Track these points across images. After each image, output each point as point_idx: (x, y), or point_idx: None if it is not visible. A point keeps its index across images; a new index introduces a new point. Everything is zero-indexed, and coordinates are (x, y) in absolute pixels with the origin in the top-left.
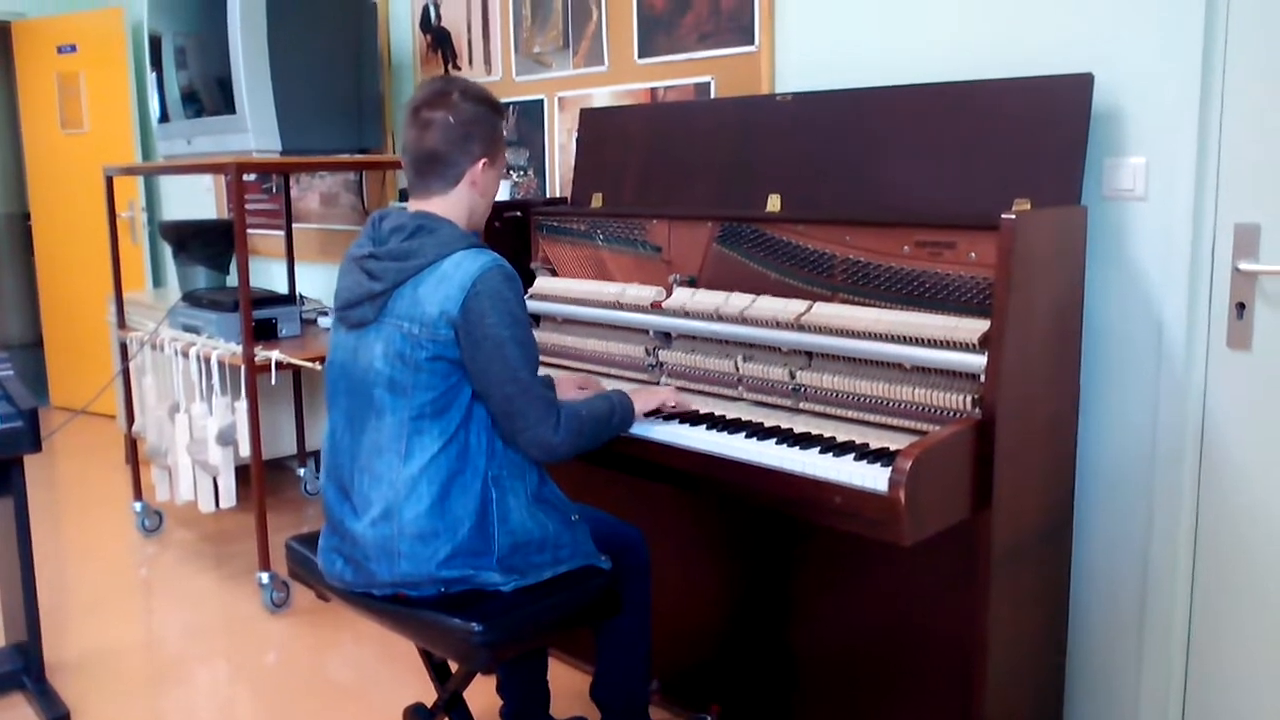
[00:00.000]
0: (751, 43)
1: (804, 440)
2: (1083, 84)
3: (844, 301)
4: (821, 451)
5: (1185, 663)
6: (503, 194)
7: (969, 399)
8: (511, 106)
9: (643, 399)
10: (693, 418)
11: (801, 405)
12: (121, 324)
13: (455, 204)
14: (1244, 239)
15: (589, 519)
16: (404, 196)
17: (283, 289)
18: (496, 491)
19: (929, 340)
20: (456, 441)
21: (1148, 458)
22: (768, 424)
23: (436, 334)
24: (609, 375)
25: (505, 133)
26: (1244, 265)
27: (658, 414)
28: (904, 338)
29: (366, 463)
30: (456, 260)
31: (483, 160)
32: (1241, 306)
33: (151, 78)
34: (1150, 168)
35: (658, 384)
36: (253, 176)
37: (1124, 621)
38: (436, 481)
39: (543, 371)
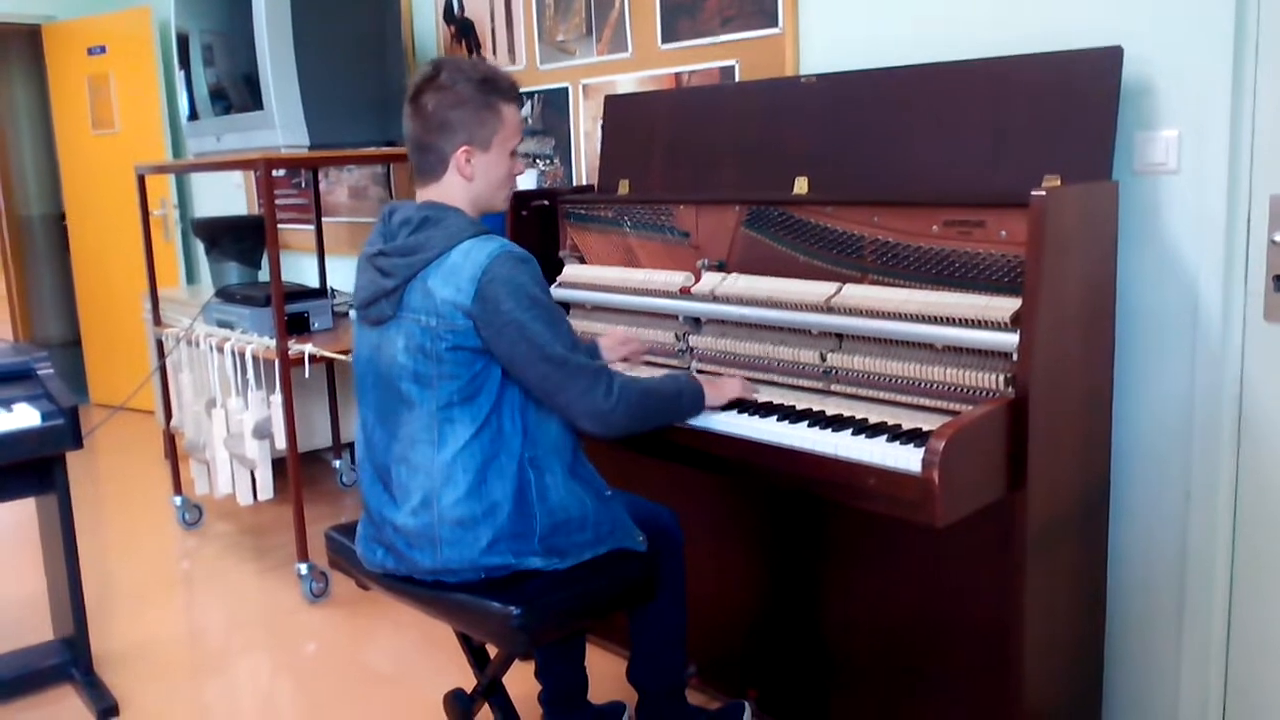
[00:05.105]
0: (775, 25)
1: (836, 422)
2: (1112, 57)
3: (874, 283)
4: (854, 433)
5: (1226, 642)
6: (529, 182)
7: (1002, 378)
8: (536, 95)
9: (715, 390)
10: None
11: (833, 388)
12: (157, 321)
13: (452, 191)
14: None
15: (623, 501)
16: None
17: (314, 283)
18: (534, 473)
19: (960, 320)
20: (489, 427)
21: (1185, 434)
22: (799, 407)
23: (454, 324)
24: (641, 362)
25: (509, 112)
26: None
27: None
28: (935, 318)
29: (402, 454)
30: (464, 250)
31: (464, 147)
32: (1278, 279)
33: (180, 76)
34: (1183, 141)
35: (688, 369)
36: (282, 172)
37: (1163, 600)
38: (472, 468)
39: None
